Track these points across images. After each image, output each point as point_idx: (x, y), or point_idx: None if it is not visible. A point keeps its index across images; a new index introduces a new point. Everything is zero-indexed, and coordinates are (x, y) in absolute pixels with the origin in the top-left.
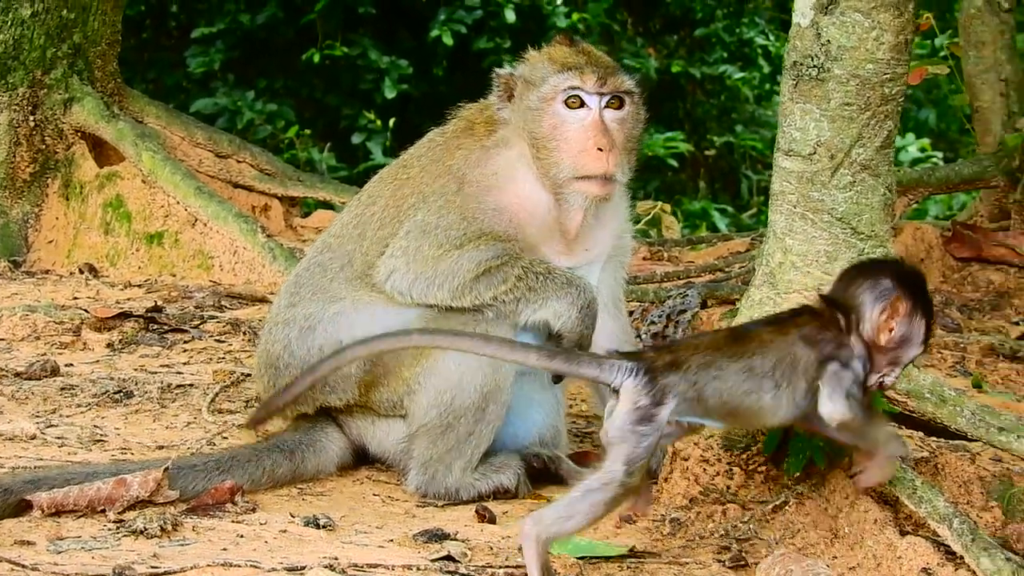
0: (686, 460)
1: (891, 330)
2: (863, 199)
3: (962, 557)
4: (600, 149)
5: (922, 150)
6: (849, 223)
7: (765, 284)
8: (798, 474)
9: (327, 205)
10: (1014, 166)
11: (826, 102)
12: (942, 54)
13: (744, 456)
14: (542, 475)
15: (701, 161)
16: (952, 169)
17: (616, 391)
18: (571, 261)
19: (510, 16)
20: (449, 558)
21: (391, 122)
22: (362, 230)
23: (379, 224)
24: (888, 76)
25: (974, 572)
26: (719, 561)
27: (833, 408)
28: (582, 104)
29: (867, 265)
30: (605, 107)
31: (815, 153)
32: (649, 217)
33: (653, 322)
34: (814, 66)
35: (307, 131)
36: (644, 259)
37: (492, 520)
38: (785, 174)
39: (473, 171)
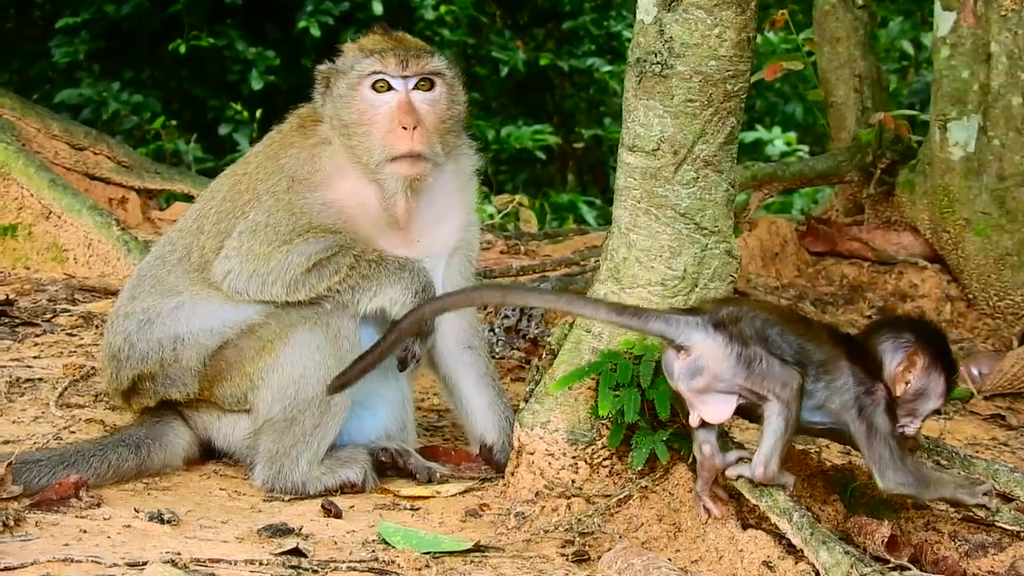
0: (532, 454)
1: (907, 382)
2: (706, 195)
3: (802, 550)
4: (404, 128)
5: (788, 144)
6: (692, 219)
7: (610, 279)
8: (642, 468)
9: (190, 198)
10: (868, 161)
11: (669, 99)
12: (806, 50)
13: (589, 450)
14: (390, 469)
15: (569, 153)
16: (806, 164)
17: (681, 348)
18: (410, 253)
19: (378, 8)
20: (292, 552)
21: (258, 113)
22: (200, 224)
23: (216, 218)
24: (731, 73)
25: (813, 565)
26: (562, 555)
27: (888, 482)
28: (389, 88)
29: (893, 319)
30: (414, 89)
31: (659, 149)
32: (507, 211)
33: (507, 316)
34: (658, 63)
35: (173, 122)
36: (501, 253)
37: (338, 515)
38: (629, 170)
39: (302, 168)
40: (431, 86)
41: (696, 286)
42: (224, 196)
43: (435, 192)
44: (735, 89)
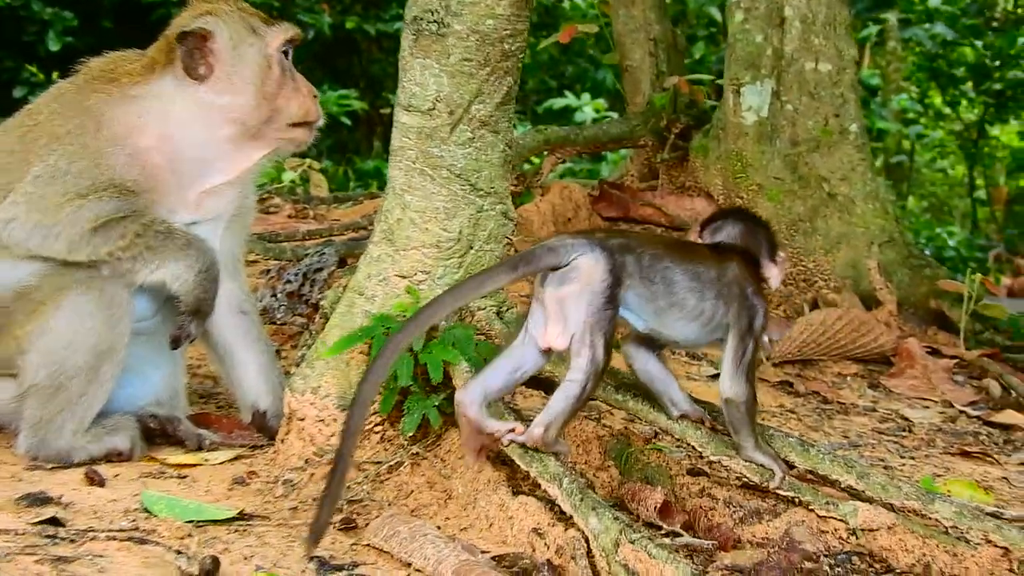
0: (302, 420)
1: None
2: (482, 156)
3: (572, 517)
4: (315, 96)
5: (597, 110)
6: (468, 179)
7: (384, 240)
8: (414, 434)
9: None
10: (662, 126)
11: (445, 57)
12: (600, 12)
13: None
14: (159, 436)
15: (376, 119)
16: (600, 128)
17: (565, 267)
18: (197, 214)
19: None
20: (50, 522)
21: (54, 76)
22: None
23: (0, 172)
24: (508, 32)
25: (583, 531)
26: (329, 523)
27: (731, 387)
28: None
29: (748, 214)
30: None
31: (434, 109)
32: (298, 175)
33: (289, 280)
34: (434, 21)
35: None
36: (289, 217)
37: (101, 483)
38: (405, 129)
39: (114, 111)
40: None
41: (471, 248)
42: (12, 147)
43: None
44: (512, 48)
